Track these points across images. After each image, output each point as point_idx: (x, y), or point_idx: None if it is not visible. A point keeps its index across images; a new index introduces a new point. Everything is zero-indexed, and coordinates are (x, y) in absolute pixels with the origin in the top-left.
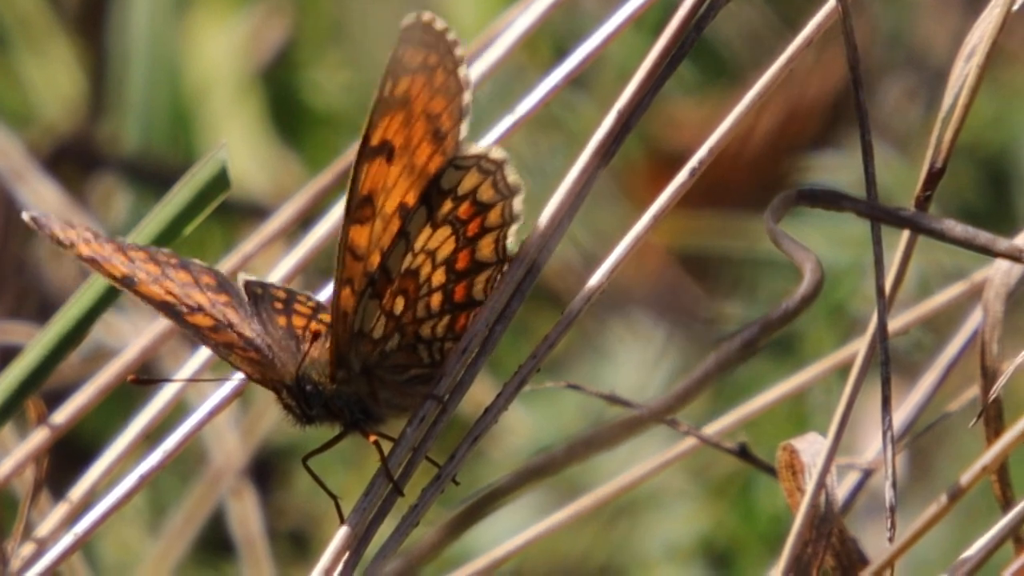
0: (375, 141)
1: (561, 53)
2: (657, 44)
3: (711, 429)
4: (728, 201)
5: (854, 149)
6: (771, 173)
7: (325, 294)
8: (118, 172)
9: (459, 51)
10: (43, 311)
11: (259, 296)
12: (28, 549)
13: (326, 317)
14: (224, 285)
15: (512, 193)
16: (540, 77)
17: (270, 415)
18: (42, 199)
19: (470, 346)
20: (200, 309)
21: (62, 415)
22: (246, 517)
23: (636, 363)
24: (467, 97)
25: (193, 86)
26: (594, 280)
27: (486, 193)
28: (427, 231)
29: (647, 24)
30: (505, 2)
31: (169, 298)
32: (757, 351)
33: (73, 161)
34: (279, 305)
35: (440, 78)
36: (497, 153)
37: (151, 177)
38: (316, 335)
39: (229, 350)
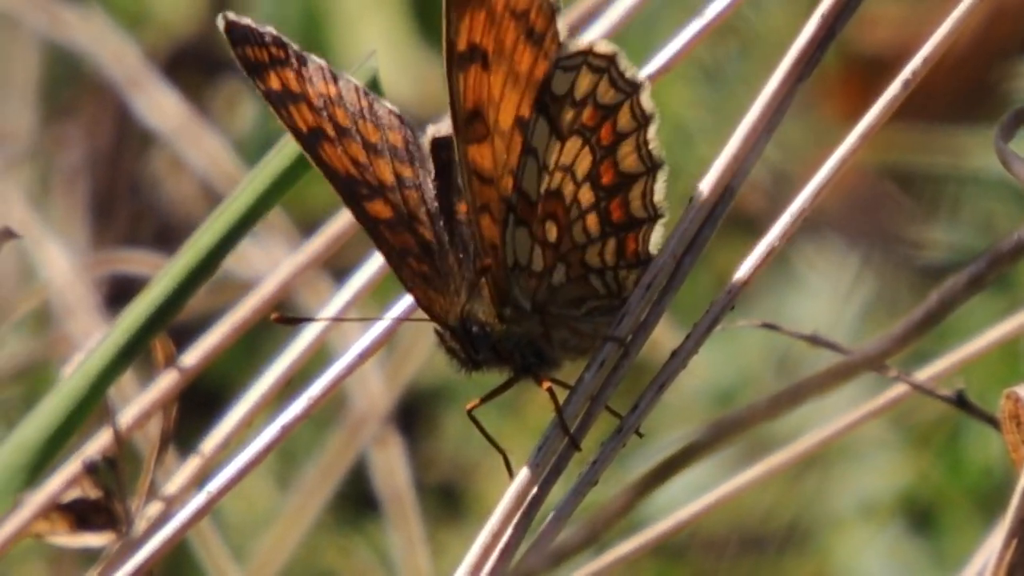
0: (462, 46)
1: None
2: None
3: (922, 374)
4: (929, 112)
5: None
6: (977, 81)
7: None
8: (243, 78)
9: None
10: (161, 235)
11: (446, 165)
12: (155, 509)
13: (488, 262)
14: (411, 150)
15: (635, 89)
16: None
17: (417, 354)
18: (160, 108)
19: (655, 281)
20: (381, 191)
21: (192, 356)
22: (391, 469)
23: (829, 293)
24: None
25: None
26: (795, 205)
27: (606, 93)
28: (556, 145)
29: None
30: None
31: (352, 171)
32: (985, 287)
33: (194, 66)
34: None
35: None
36: (604, 46)
37: None
38: (483, 270)
39: (402, 259)
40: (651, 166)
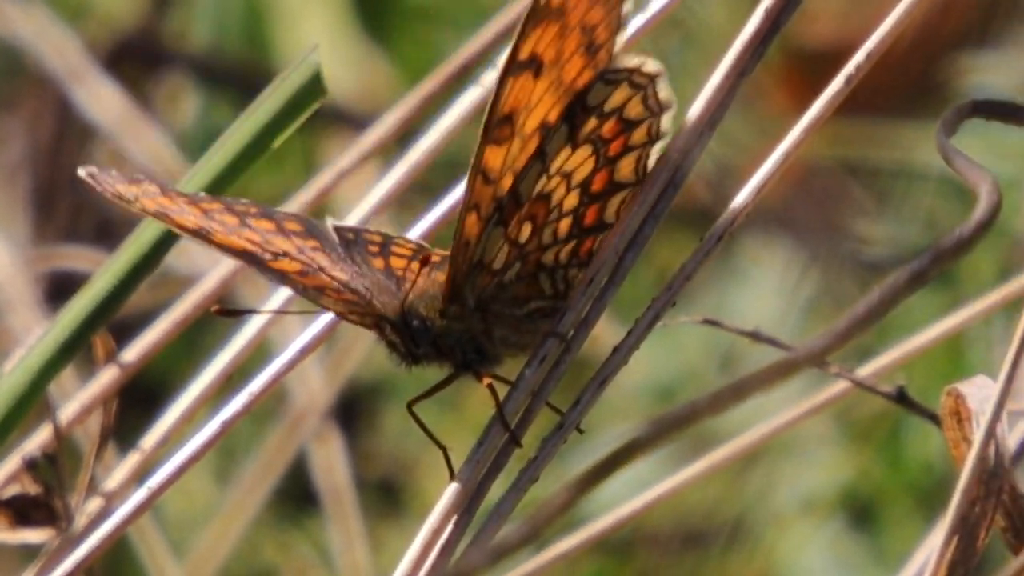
0: (524, 55)
1: None
2: None
3: (864, 371)
4: (874, 107)
5: (1016, 47)
6: (922, 76)
7: (420, 229)
8: (186, 71)
9: None
10: (101, 230)
11: (351, 241)
12: (95, 505)
13: (431, 255)
14: (312, 231)
15: (662, 110)
16: None
17: (358, 350)
18: (101, 101)
19: (596, 276)
20: (285, 255)
21: (133, 352)
22: (331, 465)
23: (772, 288)
24: (627, 6)
25: None
26: (738, 200)
27: (634, 109)
28: (566, 151)
29: None
30: None
31: (250, 247)
32: (927, 283)
33: (136, 59)
34: (374, 248)
35: None
36: (652, 66)
37: (222, 77)
38: (425, 260)
39: (320, 293)
40: (641, 178)
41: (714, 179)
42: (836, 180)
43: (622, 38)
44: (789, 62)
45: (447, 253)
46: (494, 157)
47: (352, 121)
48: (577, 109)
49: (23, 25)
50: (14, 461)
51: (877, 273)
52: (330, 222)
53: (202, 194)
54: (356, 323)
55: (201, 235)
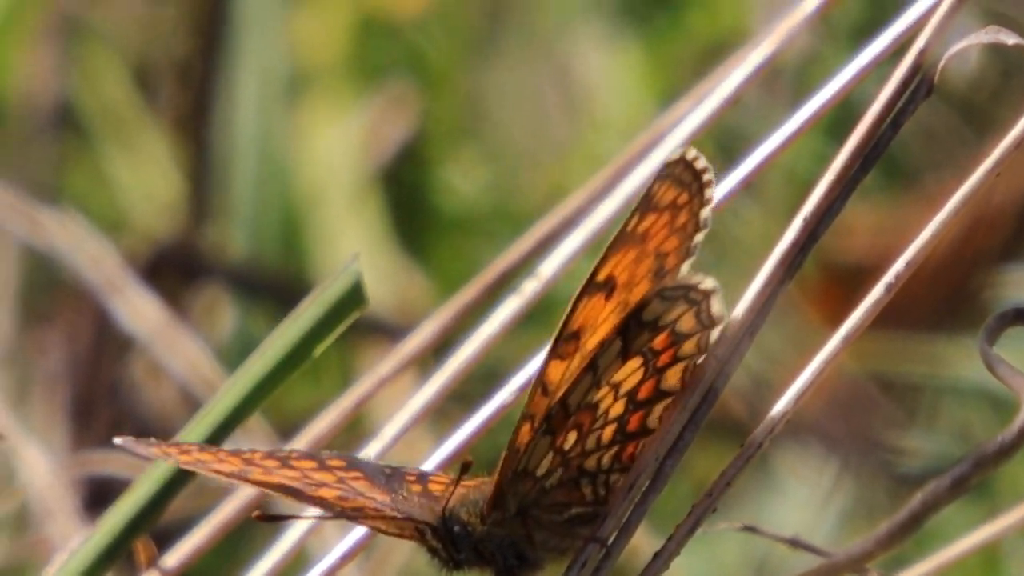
0: (602, 276)
1: (726, 155)
2: (848, 143)
3: None
4: (908, 320)
5: None
6: (955, 289)
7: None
8: (223, 283)
9: (710, 192)
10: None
11: (389, 476)
12: None
13: (471, 461)
14: (356, 464)
15: (713, 324)
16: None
17: (396, 557)
18: (139, 312)
19: (637, 482)
20: (324, 485)
21: (174, 558)
22: None
23: (807, 498)
24: (700, 237)
25: (305, 187)
26: (777, 408)
27: (687, 324)
28: (617, 363)
29: (819, 125)
30: (659, 96)
31: (289, 482)
32: (968, 490)
33: (173, 271)
34: (411, 478)
35: (683, 218)
36: (708, 283)
37: (260, 289)
38: (466, 466)
39: (359, 512)
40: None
41: (748, 391)
42: (869, 392)
43: (688, 265)
44: (822, 275)
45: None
46: (555, 371)
47: (388, 333)
48: (632, 323)
49: (61, 236)
50: None
51: (910, 485)
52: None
53: (244, 449)
54: (395, 535)
55: (240, 476)
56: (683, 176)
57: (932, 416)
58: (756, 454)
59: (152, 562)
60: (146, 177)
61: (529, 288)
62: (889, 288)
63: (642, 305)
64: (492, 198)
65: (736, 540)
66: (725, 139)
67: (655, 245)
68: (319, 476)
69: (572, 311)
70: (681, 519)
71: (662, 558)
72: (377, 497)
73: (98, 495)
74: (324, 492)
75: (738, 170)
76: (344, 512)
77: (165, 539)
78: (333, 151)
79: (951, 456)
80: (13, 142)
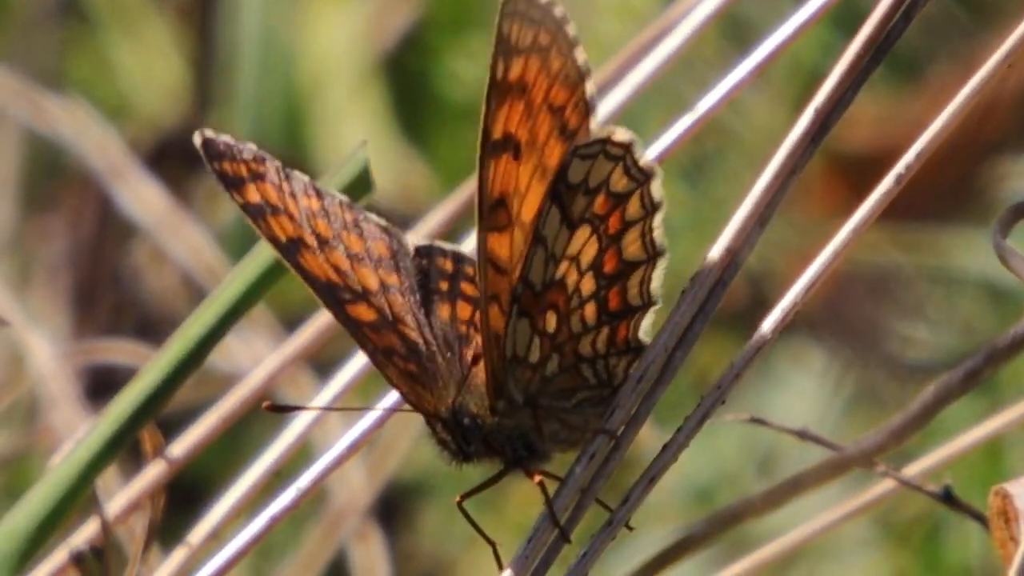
0: (497, 134)
1: (735, 44)
2: (860, 34)
3: (908, 471)
4: (911, 210)
5: None
6: (961, 179)
7: None
8: None
9: (571, 30)
10: (142, 327)
11: (425, 270)
12: None
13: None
14: (397, 258)
15: (647, 178)
16: (721, 71)
17: (398, 449)
18: (143, 199)
19: (647, 374)
20: (364, 296)
21: (180, 447)
22: (371, 564)
23: (809, 390)
24: (590, 87)
25: (308, 75)
26: (786, 300)
27: (619, 182)
28: (565, 234)
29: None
30: None
31: (334, 277)
32: (981, 383)
33: (177, 158)
34: (444, 285)
35: (556, 63)
36: (622, 134)
37: None
38: (475, 359)
39: (387, 359)
40: (653, 254)
41: (753, 280)
42: (873, 283)
43: (595, 121)
44: (825, 166)
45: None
46: (499, 245)
47: (389, 220)
48: (561, 188)
49: (65, 123)
50: (62, 555)
51: (913, 376)
52: (410, 241)
53: (306, 179)
54: (413, 407)
55: (290, 251)
56: (531, 13)
57: (936, 307)
58: (765, 346)
59: (158, 451)
60: (150, 64)
61: None
62: (899, 179)
63: (563, 166)
64: None
65: (737, 432)
66: (733, 29)
67: (541, 96)
68: (362, 274)
69: (483, 176)
70: (686, 411)
71: (671, 450)
72: (408, 335)
73: (100, 384)
74: (362, 311)
75: (748, 60)
76: (375, 352)
77: (171, 428)
78: (337, 38)
79: (953, 348)
80: (17, 28)
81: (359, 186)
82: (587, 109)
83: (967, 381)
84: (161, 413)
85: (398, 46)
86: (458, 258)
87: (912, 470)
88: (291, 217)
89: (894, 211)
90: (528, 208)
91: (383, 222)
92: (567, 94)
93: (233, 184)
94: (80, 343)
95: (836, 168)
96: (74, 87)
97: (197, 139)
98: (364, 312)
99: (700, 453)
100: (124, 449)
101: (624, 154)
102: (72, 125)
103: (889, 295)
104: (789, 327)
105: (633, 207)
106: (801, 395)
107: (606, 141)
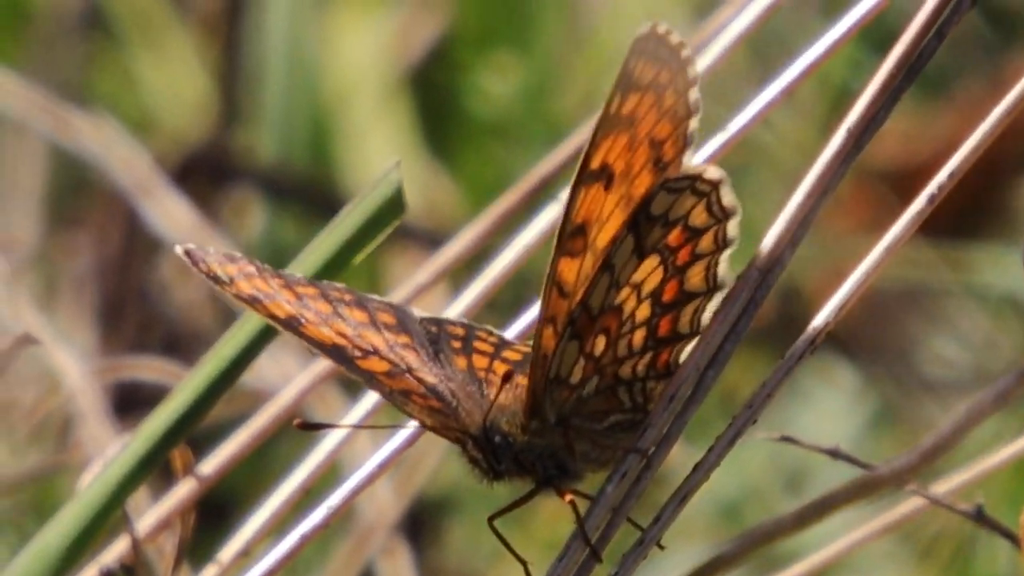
0: (595, 164)
1: (764, 63)
2: (893, 52)
3: (938, 489)
4: (938, 226)
5: None
6: (987, 195)
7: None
8: (252, 186)
9: (693, 71)
10: (168, 343)
11: (435, 335)
12: None
13: (510, 354)
14: (405, 324)
15: (727, 216)
16: (752, 90)
17: (426, 465)
18: (170, 215)
19: (679, 393)
20: (375, 352)
21: (210, 465)
22: None
23: (835, 408)
24: (694, 124)
25: (335, 91)
26: (819, 319)
27: (699, 217)
28: (633, 261)
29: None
30: (694, 1)
31: (340, 340)
32: (1012, 403)
33: (203, 173)
34: (457, 344)
35: (670, 99)
36: (714, 172)
37: (289, 192)
38: (507, 376)
39: (406, 398)
40: (713, 287)
41: (781, 298)
42: (901, 300)
43: (690, 156)
44: (856, 181)
45: (527, 349)
46: (568, 270)
47: (416, 238)
48: (641, 219)
49: (91, 138)
50: (92, 573)
51: (944, 394)
52: (416, 313)
53: (298, 275)
54: (439, 434)
55: (292, 325)
56: (659, 52)
57: (963, 324)
58: (797, 365)
59: (188, 469)
60: (175, 79)
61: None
62: (932, 199)
63: (648, 198)
64: (525, 102)
65: (766, 449)
66: (763, 47)
67: (646, 130)
68: (370, 338)
69: (571, 203)
70: (714, 430)
71: (702, 469)
72: (425, 379)
73: (126, 400)
74: (374, 364)
75: (779, 79)
76: (392, 394)
77: (201, 446)
78: (363, 53)
79: (983, 365)
80: (42, 42)
81: (392, 207)
82: (685, 144)
83: (998, 401)
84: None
85: (425, 60)
86: (468, 326)
87: (941, 488)
88: (287, 301)
89: (924, 227)
90: (605, 235)
91: (386, 299)
92: (671, 128)
93: (224, 282)
94: (108, 360)
95: (865, 184)
96: (99, 102)
97: (179, 250)
98: (376, 364)
99: (729, 470)
100: (155, 468)
101: (711, 191)
102: (97, 140)
103: (917, 312)
104: (819, 346)
105: (706, 242)
106: (829, 412)
107: (697, 178)
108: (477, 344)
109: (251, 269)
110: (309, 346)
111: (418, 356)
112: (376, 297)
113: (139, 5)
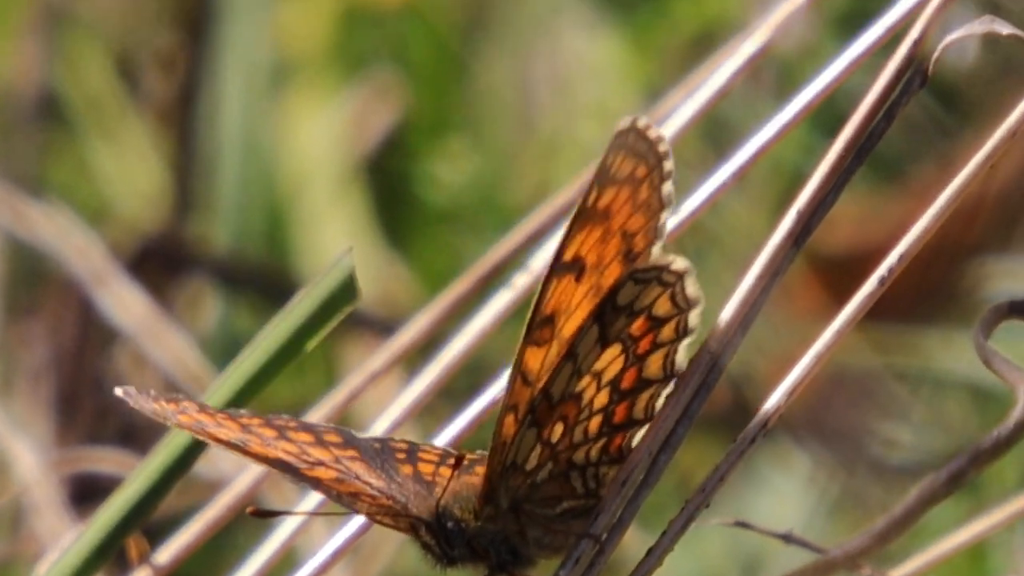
0: (568, 256)
1: (715, 146)
2: (842, 135)
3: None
4: (893, 311)
5: None
6: (943, 279)
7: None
8: (207, 274)
9: (669, 165)
10: (125, 433)
11: (378, 451)
12: None
13: (464, 456)
14: (352, 441)
15: (690, 306)
16: (702, 173)
17: (383, 551)
18: (124, 305)
19: (631, 477)
20: (321, 464)
21: (166, 553)
22: None
23: (793, 494)
24: (665, 216)
25: (290, 178)
26: (771, 402)
27: (663, 307)
28: (596, 350)
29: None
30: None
31: (286, 457)
32: (965, 485)
33: (158, 263)
34: (401, 456)
35: (645, 193)
36: (680, 263)
37: (244, 280)
38: (459, 460)
39: (355, 499)
40: (669, 374)
41: (733, 383)
42: (855, 385)
43: (659, 247)
44: (807, 266)
45: (474, 456)
46: (534, 359)
47: (371, 326)
48: (608, 308)
49: (45, 228)
50: None
51: (898, 478)
52: (360, 434)
53: (242, 411)
54: (390, 526)
55: (238, 447)
56: (637, 146)
57: (920, 408)
58: (749, 448)
59: (144, 558)
60: (130, 168)
61: (520, 282)
62: (883, 281)
63: (616, 289)
64: (478, 190)
65: (722, 535)
66: (713, 130)
67: (620, 223)
68: (316, 453)
69: (542, 294)
70: (669, 514)
71: (655, 554)
72: (373, 482)
73: (83, 490)
74: (321, 472)
75: (730, 163)
76: (340, 497)
77: (156, 535)
78: (317, 142)
79: (939, 450)
80: None
81: (344, 294)
82: (656, 236)
83: (951, 483)
84: (148, 520)
85: (379, 149)
86: (410, 442)
87: (896, 573)
88: (230, 428)
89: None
90: (571, 324)
91: (332, 425)
92: (644, 221)
93: (166, 416)
94: (64, 451)
95: (816, 269)
96: (54, 191)
97: (120, 393)
98: (324, 473)
99: (685, 556)
100: (110, 557)
101: (676, 281)
102: (52, 230)
103: (871, 397)
104: (772, 430)
105: (668, 331)
106: (785, 498)
107: (664, 268)
108: (421, 455)
109: (192, 406)
110: (257, 462)
111: (366, 466)
112: (323, 424)
113: (93, 94)
